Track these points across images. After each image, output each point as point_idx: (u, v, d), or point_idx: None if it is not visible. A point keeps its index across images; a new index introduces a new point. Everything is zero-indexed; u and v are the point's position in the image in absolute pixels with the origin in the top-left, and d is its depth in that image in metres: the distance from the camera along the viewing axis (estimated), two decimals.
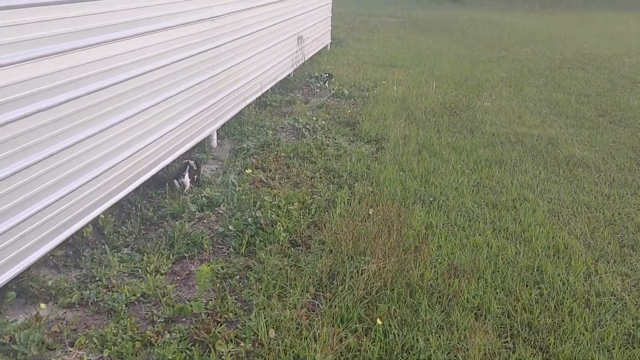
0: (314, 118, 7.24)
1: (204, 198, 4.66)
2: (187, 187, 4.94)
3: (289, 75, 9.32)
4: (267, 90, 8.07)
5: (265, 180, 5.23)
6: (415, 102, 8.16)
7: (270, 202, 4.64)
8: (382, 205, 4.78)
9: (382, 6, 24.11)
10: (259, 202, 4.65)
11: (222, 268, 3.77)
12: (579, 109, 8.33)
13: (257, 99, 7.56)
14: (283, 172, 5.45)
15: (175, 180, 4.90)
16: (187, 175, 4.94)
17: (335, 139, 6.45)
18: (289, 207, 4.60)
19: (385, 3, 25.59)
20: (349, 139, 6.57)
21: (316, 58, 11.19)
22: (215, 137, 6.20)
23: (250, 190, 4.95)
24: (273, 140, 6.20)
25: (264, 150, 5.99)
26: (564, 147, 6.49)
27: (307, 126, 6.62)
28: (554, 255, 4.13)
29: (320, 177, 5.39)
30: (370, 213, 4.62)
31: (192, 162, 5.06)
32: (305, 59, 10.09)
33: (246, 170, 5.01)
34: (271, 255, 3.95)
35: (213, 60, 5.84)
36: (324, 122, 7.03)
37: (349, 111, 7.53)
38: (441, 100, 8.42)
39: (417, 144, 6.39)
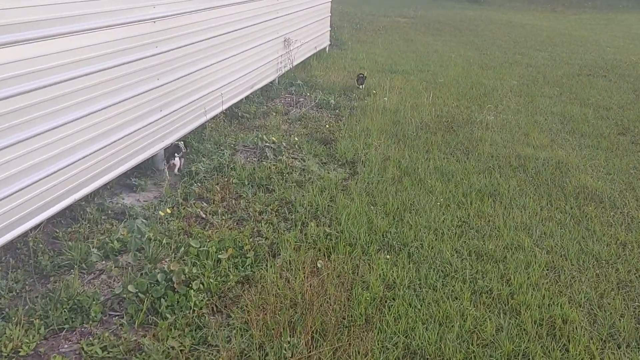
0: (286, 134, 6.33)
1: (115, 241, 3.78)
2: (178, 167, 5.14)
3: (272, 82, 8.43)
4: (242, 100, 7.19)
5: (204, 216, 4.35)
6: (408, 115, 7.20)
7: (197, 249, 3.75)
8: (338, 254, 3.86)
9: (395, 5, 23.08)
10: (183, 249, 3.77)
11: (103, 349, 2.88)
12: (596, 124, 7.27)
13: (226, 109, 6.68)
14: (229, 205, 4.56)
15: (164, 164, 5.11)
16: (177, 158, 5.10)
17: (304, 161, 5.53)
18: (220, 256, 3.71)
19: (399, 3, 24.53)
20: (321, 160, 5.65)
21: (309, 62, 10.28)
22: (162, 157, 5.33)
23: (180, 229, 4.07)
24: (229, 162, 5.30)
25: (215, 174, 5.10)
26: (574, 175, 5.47)
27: (273, 145, 5.71)
28: (547, 334, 3.16)
29: (273, 212, 4.48)
30: (319, 266, 3.70)
31: (181, 144, 5.20)
32: (295, 64, 9.18)
33: (160, 212, 4.11)
34: (174, 328, 3.05)
35: (157, 69, 4.97)
36: (297, 138, 6.12)
37: (327, 126, 6.60)
38: (438, 113, 7.45)
39: (399, 168, 5.44)
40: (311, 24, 10.12)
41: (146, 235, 3.62)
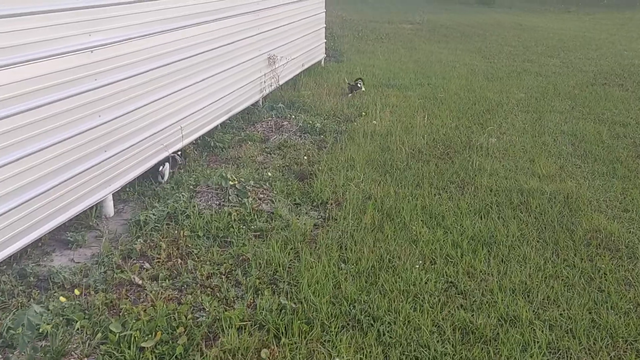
0: (260, 168, 5.66)
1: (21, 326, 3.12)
2: (166, 177, 5.29)
3: (255, 103, 7.78)
4: (216, 127, 6.55)
5: (140, 283, 3.68)
6: (400, 140, 6.48)
7: (118, 335, 3.08)
8: (291, 336, 3.16)
9: (401, 11, 22.34)
10: (100, 334, 3.10)
11: None
12: (611, 145, 6.48)
13: (198, 138, 6.04)
14: (174, 266, 3.89)
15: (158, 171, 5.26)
16: (167, 165, 5.30)
17: (274, 202, 4.85)
18: (144, 344, 3.03)
19: (406, 8, 23.79)
20: (294, 201, 4.96)
21: (301, 77, 9.61)
22: (110, 203, 4.69)
23: (105, 305, 3.40)
24: (185, 207, 4.64)
25: (167, 224, 4.44)
26: (586, 214, 4.71)
27: (238, 184, 5.02)
28: None
29: (224, 275, 3.80)
30: (264, 357, 3.01)
31: (177, 156, 5.50)
32: (283, 82, 8.53)
33: (62, 298, 3.42)
34: None
35: (98, 104, 4.34)
36: (270, 173, 5.44)
37: (306, 157, 5.90)
38: (434, 136, 6.72)
39: (381, 210, 4.73)
40: (301, 38, 9.46)
41: (41, 329, 2.94)
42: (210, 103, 6.11)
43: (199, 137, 6.08)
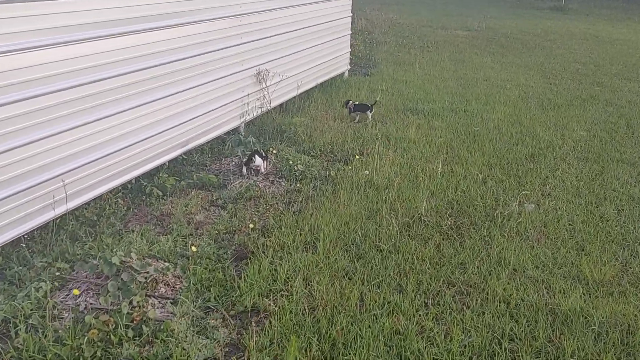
0: (191, 236, 4.11)
1: None
2: (263, 167, 5.20)
3: (234, 130, 6.25)
4: (163, 165, 5.05)
5: None
6: (397, 199, 4.76)
7: None
8: None
9: (463, 15, 20.21)
10: None
11: None
12: None
13: (123, 184, 4.57)
14: None
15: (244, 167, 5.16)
16: (257, 158, 5.12)
17: (176, 306, 3.28)
18: None
19: (469, 11, 21.61)
20: (207, 301, 3.37)
21: (310, 95, 8.00)
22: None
23: None
24: (37, 307, 3.14)
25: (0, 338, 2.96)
26: None
27: (126, 275, 3.46)
28: None
29: None
30: None
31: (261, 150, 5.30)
32: (275, 104, 6.97)
33: None
34: None
35: None
36: (195, 249, 3.88)
37: (251, 226, 4.27)
38: (449, 195, 4.94)
39: (324, 340, 3.06)
40: (311, 48, 7.83)
41: None
42: (142, 139, 4.59)
43: (130, 180, 4.60)
